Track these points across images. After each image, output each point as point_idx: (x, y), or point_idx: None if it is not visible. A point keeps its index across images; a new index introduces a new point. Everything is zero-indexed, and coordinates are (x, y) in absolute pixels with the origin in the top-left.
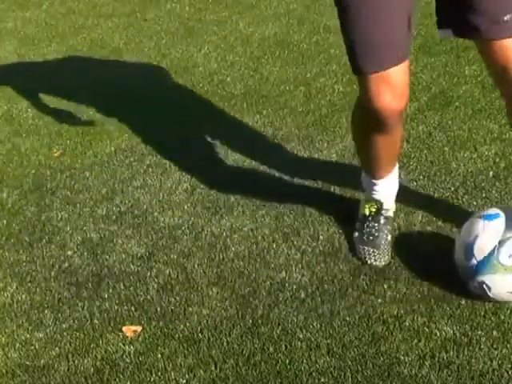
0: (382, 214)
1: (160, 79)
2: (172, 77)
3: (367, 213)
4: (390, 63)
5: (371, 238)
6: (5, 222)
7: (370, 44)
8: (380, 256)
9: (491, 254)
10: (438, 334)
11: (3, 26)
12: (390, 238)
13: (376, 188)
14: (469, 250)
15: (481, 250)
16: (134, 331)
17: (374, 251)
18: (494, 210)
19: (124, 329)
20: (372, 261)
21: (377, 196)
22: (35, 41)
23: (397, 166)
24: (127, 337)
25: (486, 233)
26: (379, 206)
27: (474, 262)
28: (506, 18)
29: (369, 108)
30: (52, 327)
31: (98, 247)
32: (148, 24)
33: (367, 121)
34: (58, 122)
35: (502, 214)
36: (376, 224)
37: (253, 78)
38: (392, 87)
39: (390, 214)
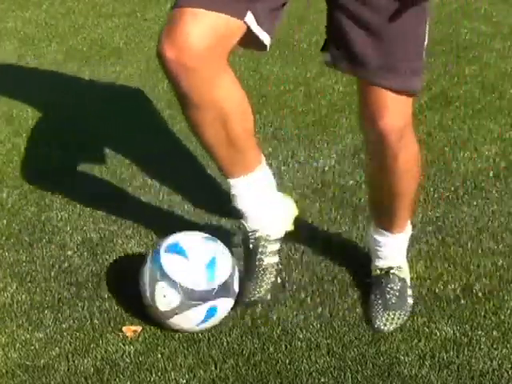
0: (248, 235)
1: (160, 79)
2: None
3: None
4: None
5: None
6: (5, 222)
7: None
8: (254, 287)
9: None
10: (438, 333)
11: (3, 25)
12: (267, 264)
13: (233, 192)
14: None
15: (223, 271)
16: (134, 331)
17: (247, 283)
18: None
19: (124, 329)
20: (247, 297)
21: (235, 204)
22: (35, 41)
23: (256, 164)
24: (127, 337)
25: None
26: (243, 221)
27: (215, 285)
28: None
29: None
30: (52, 327)
31: (97, 247)
32: (148, 24)
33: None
34: (58, 122)
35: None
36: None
37: (253, 78)
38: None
39: (262, 234)
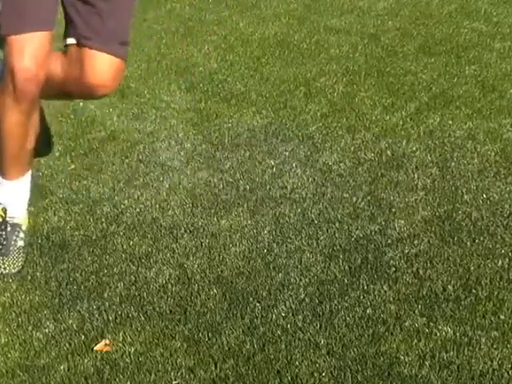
0: (7, 222)
1: (160, 79)
2: (172, 77)
3: None
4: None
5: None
6: None
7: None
8: (10, 264)
9: None
10: (438, 334)
11: None
12: (20, 244)
13: (2, 190)
14: None
15: None
16: (106, 344)
17: (2, 259)
18: None
19: (97, 347)
20: (1, 269)
21: (2, 199)
22: None
23: (28, 172)
24: (127, 337)
25: None
26: (4, 212)
27: None
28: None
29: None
30: (52, 327)
31: (97, 247)
32: (148, 24)
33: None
34: (58, 123)
35: None
36: (3, 232)
37: (253, 78)
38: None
39: (17, 221)
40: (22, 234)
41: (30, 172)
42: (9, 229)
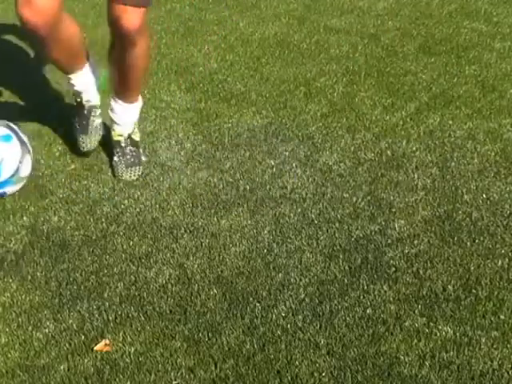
0: (84, 105)
1: (160, 79)
2: (172, 77)
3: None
4: None
5: (80, 125)
6: (5, 221)
7: None
8: (90, 141)
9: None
10: (438, 334)
11: (3, 25)
12: (97, 122)
13: (72, 82)
14: None
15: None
16: (106, 344)
17: (83, 138)
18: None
19: (97, 347)
20: (83, 146)
21: (75, 88)
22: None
23: (85, 63)
24: (127, 337)
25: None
26: (80, 97)
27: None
28: None
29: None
30: (52, 327)
31: (97, 247)
32: (148, 24)
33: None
34: (58, 123)
35: (12, 135)
36: (82, 113)
37: (253, 78)
38: (31, 4)
39: (92, 103)
40: (98, 112)
41: (87, 62)
42: (85, 111)
